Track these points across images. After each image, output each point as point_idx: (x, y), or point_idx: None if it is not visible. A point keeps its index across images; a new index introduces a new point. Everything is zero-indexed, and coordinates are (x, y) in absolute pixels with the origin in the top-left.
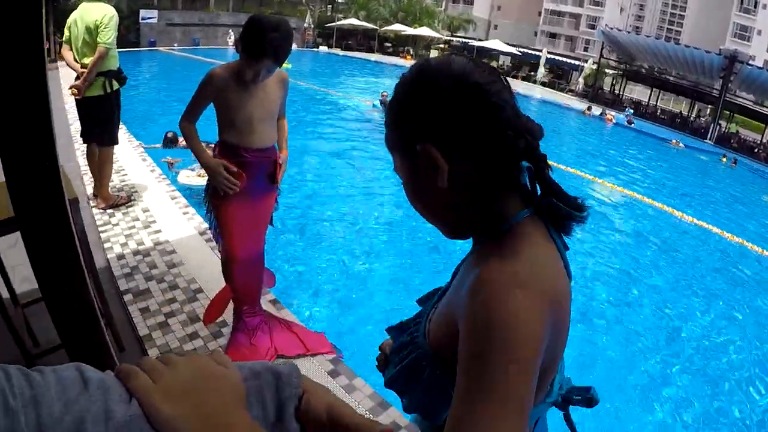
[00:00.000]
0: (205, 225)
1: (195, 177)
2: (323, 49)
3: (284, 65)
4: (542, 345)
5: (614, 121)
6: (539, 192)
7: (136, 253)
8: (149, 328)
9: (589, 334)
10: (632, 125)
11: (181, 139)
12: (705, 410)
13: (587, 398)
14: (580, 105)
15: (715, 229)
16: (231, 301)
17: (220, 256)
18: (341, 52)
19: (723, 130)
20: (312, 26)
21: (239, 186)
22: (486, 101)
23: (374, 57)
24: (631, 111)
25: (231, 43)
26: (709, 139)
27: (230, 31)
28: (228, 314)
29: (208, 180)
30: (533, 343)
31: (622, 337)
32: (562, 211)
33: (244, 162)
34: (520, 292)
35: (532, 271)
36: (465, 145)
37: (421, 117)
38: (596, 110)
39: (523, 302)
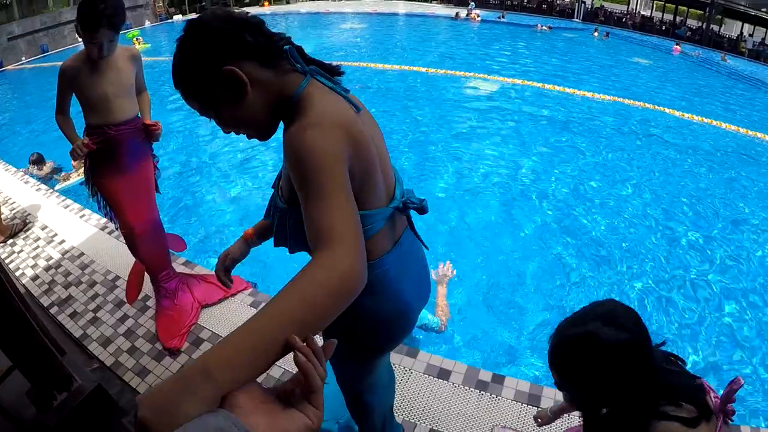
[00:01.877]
0: (104, 220)
1: (72, 178)
2: (178, 18)
3: (143, 45)
4: (341, 158)
5: (480, 18)
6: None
7: (48, 268)
8: (82, 327)
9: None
10: (503, 19)
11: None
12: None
13: (420, 207)
14: (448, 11)
15: (598, 96)
16: (146, 274)
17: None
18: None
19: (588, 7)
20: None
21: (86, 148)
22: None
23: None
24: (473, 4)
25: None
26: (577, 18)
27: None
28: (148, 287)
29: (84, 168)
30: (332, 157)
31: (538, 206)
32: (325, 68)
33: (110, 138)
34: (313, 128)
35: (319, 113)
36: (250, 57)
37: (216, 57)
38: (463, 13)
39: (317, 134)
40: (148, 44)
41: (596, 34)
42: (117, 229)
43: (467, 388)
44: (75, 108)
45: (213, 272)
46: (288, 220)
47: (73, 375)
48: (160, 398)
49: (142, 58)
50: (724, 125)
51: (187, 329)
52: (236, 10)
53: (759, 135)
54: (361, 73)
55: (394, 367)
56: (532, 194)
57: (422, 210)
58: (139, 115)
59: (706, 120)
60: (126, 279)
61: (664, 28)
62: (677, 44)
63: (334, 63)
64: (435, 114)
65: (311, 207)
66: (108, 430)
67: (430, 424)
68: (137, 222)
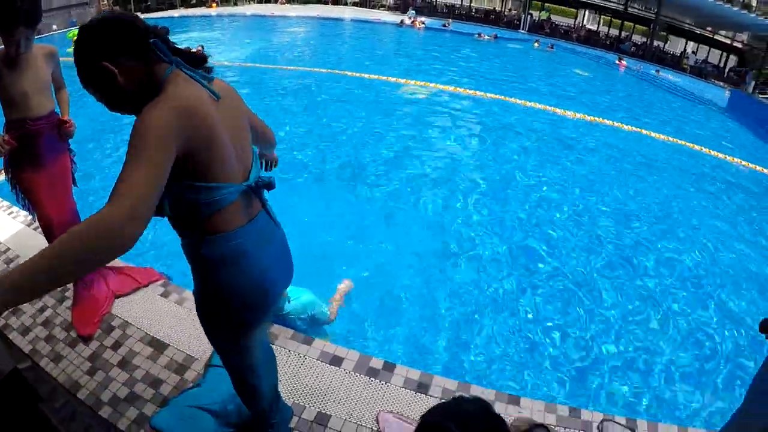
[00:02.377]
0: (30, 217)
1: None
2: None
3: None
4: (165, 135)
5: (425, 25)
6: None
7: None
8: (4, 318)
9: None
10: (448, 27)
11: None
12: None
13: (268, 183)
14: (395, 18)
15: (539, 106)
16: None
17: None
18: (142, 16)
19: (534, 19)
20: None
21: (8, 146)
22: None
23: (178, 12)
24: (414, 12)
25: None
26: (522, 29)
27: None
28: None
29: (3, 162)
30: (154, 131)
31: (489, 202)
32: (190, 59)
33: (29, 132)
34: (152, 109)
35: (167, 97)
36: (122, 53)
37: (95, 54)
38: (407, 20)
39: (152, 112)
40: None
41: (537, 44)
42: (35, 221)
43: (358, 374)
44: None
45: (127, 264)
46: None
47: None
48: None
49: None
50: (653, 134)
51: (100, 317)
52: (122, 11)
53: (689, 144)
54: (298, 76)
55: (288, 353)
56: (443, 196)
57: (269, 186)
58: (58, 111)
59: (635, 129)
60: None
61: (609, 42)
62: (621, 59)
63: (198, 54)
64: (368, 117)
65: (126, 169)
66: (24, 414)
67: (318, 407)
68: (55, 214)
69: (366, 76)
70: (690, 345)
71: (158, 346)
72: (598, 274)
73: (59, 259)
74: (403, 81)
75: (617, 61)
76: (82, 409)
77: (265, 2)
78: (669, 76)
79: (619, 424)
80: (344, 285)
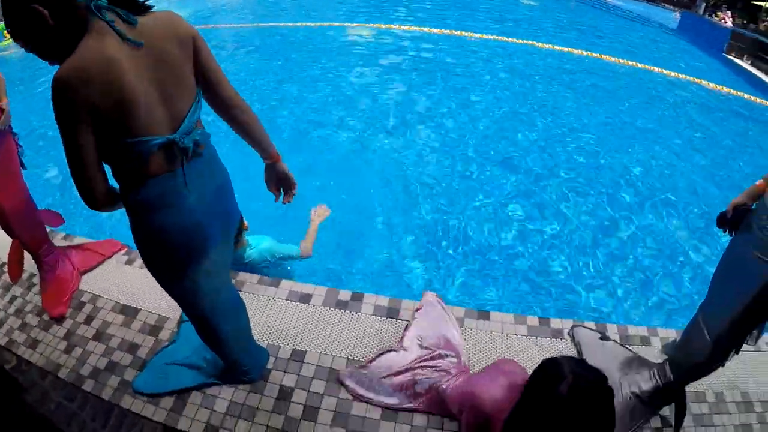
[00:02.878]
0: None
1: None
2: None
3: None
4: (74, 115)
5: None
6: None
7: None
8: None
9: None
10: None
11: None
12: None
13: (194, 140)
14: None
15: (488, 36)
16: (27, 253)
17: None
18: None
19: None
20: None
21: None
22: None
23: None
24: None
25: None
26: None
27: None
28: (33, 265)
29: None
30: (68, 123)
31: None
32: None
33: None
34: (57, 78)
35: (74, 60)
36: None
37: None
38: None
39: (58, 87)
40: (9, 40)
41: None
42: None
43: (328, 308)
44: None
45: (90, 240)
46: None
47: None
48: None
49: (11, 50)
50: (606, 57)
51: (70, 296)
52: None
53: (641, 65)
54: (238, 33)
55: (257, 297)
56: (400, 133)
57: (193, 144)
58: None
59: (589, 53)
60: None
61: None
62: None
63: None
64: (313, 64)
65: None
66: (7, 405)
67: (293, 345)
68: (5, 199)
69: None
70: (652, 251)
71: (130, 312)
72: (558, 191)
73: None
74: (347, 24)
75: None
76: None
77: None
78: (619, 2)
79: (590, 329)
80: (318, 211)
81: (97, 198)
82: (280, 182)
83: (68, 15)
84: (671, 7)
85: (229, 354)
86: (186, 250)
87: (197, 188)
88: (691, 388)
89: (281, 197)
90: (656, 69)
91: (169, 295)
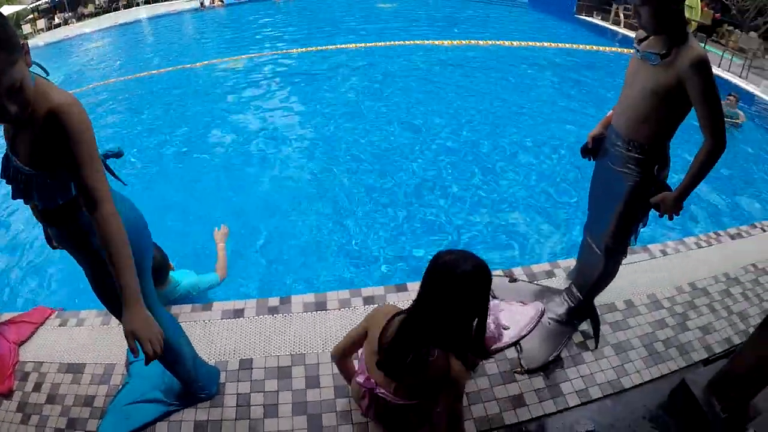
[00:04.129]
0: None
1: None
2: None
3: None
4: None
5: (224, 2)
6: None
7: None
8: None
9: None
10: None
11: None
12: None
13: (117, 153)
14: (193, 4)
15: (359, 45)
16: None
17: None
18: None
19: None
20: None
21: None
22: None
23: None
24: None
25: None
26: None
27: None
28: None
29: None
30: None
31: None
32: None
33: None
34: (79, 107)
35: (68, 95)
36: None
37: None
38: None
39: (83, 114)
40: None
41: None
42: None
43: (261, 316)
44: None
45: (17, 313)
46: (36, 181)
47: None
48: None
49: None
50: (471, 42)
51: (12, 369)
52: None
53: (504, 42)
54: (114, 87)
55: (195, 323)
56: (288, 143)
57: (119, 154)
58: None
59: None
60: None
61: None
62: None
63: None
64: (197, 104)
65: (85, 173)
66: None
67: (239, 356)
68: None
69: (185, 66)
70: (540, 191)
71: (77, 369)
72: (451, 164)
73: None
74: (218, 60)
75: None
76: None
77: (55, 28)
78: None
79: (498, 275)
80: (219, 232)
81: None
82: None
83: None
84: None
85: (187, 370)
86: (145, 242)
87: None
88: (601, 302)
89: None
90: (515, 43)
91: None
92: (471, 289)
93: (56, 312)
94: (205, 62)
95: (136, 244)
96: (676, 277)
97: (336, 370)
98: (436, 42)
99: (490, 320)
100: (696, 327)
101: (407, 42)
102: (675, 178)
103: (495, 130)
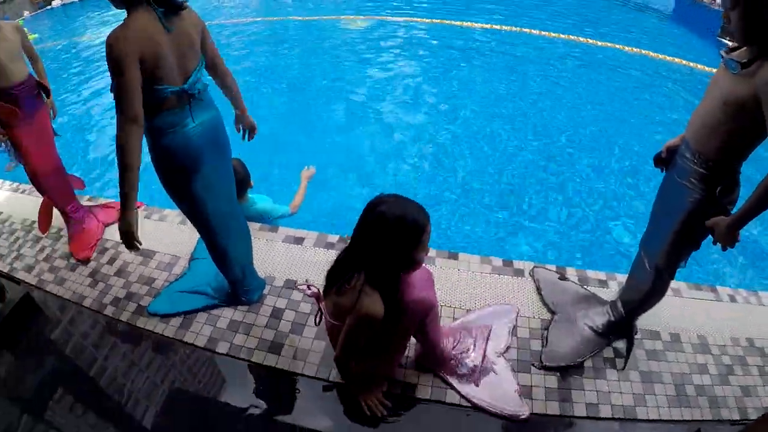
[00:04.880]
0: (15, 184)
1: None
2: (56, 3)
3: (30, 36)
4: (127, 65)
5: None
6: None
7: None
8: (9, 264)
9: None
10: None
11: None
12: None
13: (198, 89)
14: None
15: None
16: (56, 210)
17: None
18: None
19: None
20: None
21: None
22: None
23: None
24: None
25: None
26: None
27: None
28: (62, 222)
29: None
30: (120, 65)
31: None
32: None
33: (12, 97)
34: (113, 41)
35: (123, 32)
36: None
37: None
38: None
39: (115, 46)
40: (35, 34)
41: None
42: (25, 170)
43: (317, 248)
44: None
45: (112, 200)
46: None
47: (4, 287)
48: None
49: (34, 48)
50: (603, 43)
51: (95, 243)
52: None
53: (638, 50)
54: (248, 28)
55: (258, 240)
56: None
57: (197, 92)
58: (33, 74)
59: (586, 40)
60: None
61: None
62: None
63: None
64: (321, 54)
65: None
66: (35, 330)
67: (286, 276)
68: (38, 161)
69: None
70: (608, 198)
71: (148, 254)
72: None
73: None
74: (344, 17)
75: None
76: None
77: None
78: None
79: (549, 270)
80: (307, 171)
81: (135, 116)
82: (245, 127)
83: None
84: None
85: (232, 269)
86: (184, 163)
87: (198, 119)
88: (647, 327)
89: (247, 135)
90: (659, 55)
91: (180, 209)
92: (386, 232)
93: (144, 205)
94: (334, 17)
95: (167, 161)
96: (735, 327)
97: None
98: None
99: (468, 338)
100: (737, 384)
101: (546, 33)
102: None
103: (615, 140)
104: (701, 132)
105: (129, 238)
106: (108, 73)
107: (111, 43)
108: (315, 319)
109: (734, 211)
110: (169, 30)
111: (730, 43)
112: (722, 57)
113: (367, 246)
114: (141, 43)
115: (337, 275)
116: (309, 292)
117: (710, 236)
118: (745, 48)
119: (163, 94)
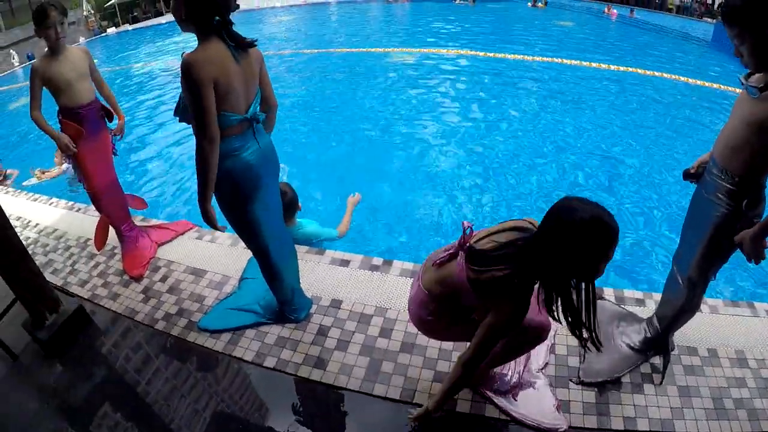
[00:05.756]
0: (71, 203)
1: (35, 180)
2: (111, 30)
3: None
4: (205, 87)
5: None
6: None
7: (27, 245)
8: (62, 278)
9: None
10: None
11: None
12: None
13: (256, 119)
14: None
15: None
16: (112, 228)
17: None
18: (131, 27)
19: None
20: (92, 12)
21: (76, 145)
22: None
23: (165, 19)
24: None
25: (17, 63)
26: None
27: (11, 51)
28: (116, 240)
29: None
30: (199, 87)
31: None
32: (233, 37)
33: (78, 117)
34: (192, 62)
35: (201, 55)
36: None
37: None
38: None
39: (194, 68)
40: (95, 60)
41: (531, 3)
42: (84, 188)
43: (363, 270)
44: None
45: (166, 222)
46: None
47: (59, 299)
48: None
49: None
50: (643, 71)
51: (148, 261)
52: None
53: (677, 77)
54: (298, 59)
55: (306, 262)
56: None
57: (257, 120)
58: (98, 97)
59: (622, 68)
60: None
61: None
62: (609, 7)
63: (248, 39)
64: (366, 85)
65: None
66: (86, 341)
67: (332, 296)
68: (98, 180)
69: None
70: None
71: (199, 273)
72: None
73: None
74: (395, 50)
75: (605, 11)
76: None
77: None
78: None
79: None
80: (353, 198)
81: (214, 136)
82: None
83: (205, 21)
84: (709, 20)
85: (283, 289)
86: (246, 184)
87: (259, 141)
88: (684, 343)
89: None
90: (690, 80)
91: (236, 231)
92: (577, 238)
93: (196, 227)
94: (380, 49)
95: (230, 184)
96: None
97: (406, 329)
98: (601, 65)
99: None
100: None
101: (581, 63)
102: None
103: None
104: (726, 150)
105: (212, 222)
106: (161, 97)
107: (190, 65)
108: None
109: None
110: (238, 61)
111: None
112: (742, 83)
113: (554, 248)
114: (216, 69)
115: (494, 259)
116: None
117: (740, 252)
118: (761, 73)
119: (229, 121)
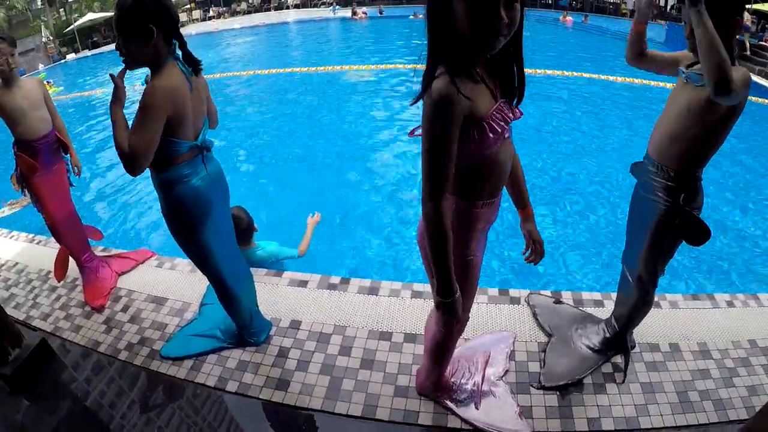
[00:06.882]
0: (31, 235)
1: (7, 210)
2: (71, 56)
3: (54, 89)
4: (160, 111)
5: (367, 15)
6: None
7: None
8: (24, 312)
9: None
10: (382, 15)
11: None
12: None
13: (207, 146)
14: (344, 13)
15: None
16: (72, 259)
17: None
18: (90, 53)
19: None
20: (51, 38)
21: (31, 179)
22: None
23: None
24: (335, 6)
25: None
26: None
27: None
28: (77, 272)
29: (17, 175)
30: (154, 110)
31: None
32: (188, 59)
33: (35, 149)
34: (154, 89)
35: (161, 82)
36: (162, 27)
37: (149, 15)
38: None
39: (154, 93)
40: (59, 87)
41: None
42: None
43: (321, 290)
44: None
45: (125, 251)
46: None
47: (22, 333)
48: None
49: (58, 99)
50: (597, 76)
51: (109, 291)
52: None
53: (630, 80)
54: (255, 80)
55: (264, 285)
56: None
57: (208, 148)
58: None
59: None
60: None
61: (550, 1)
62: (565, 15)
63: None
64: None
65: (133, 128)
66: (51, 375)
67: (291, 317)
68: (56, 211)
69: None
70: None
71: (159, 301)
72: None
73: None
74: (347, 67)
75: (561, 18)
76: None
77: (207, 20)
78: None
79: (545, 295)
80: (312, 218)
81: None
82: None
83: (160, 48)
84: (662, 22)
85: (241, 313)
86: (196, 211)
87: (208, 168)
88: (645, 339)
89: None
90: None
91: (189, 257)
92: None
93: (155, 255)
94: (338, 67)
95: (179, 211)
96: (736, 330)
97: (365, 346)
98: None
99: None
100: (743, 385)
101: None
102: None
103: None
104: (664, 141)
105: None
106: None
107: (153, 93)
108: None
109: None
110: (191, 87)
111: None
112: (683, 72)
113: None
114: (175, 98)
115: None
116: None
117: (685, 243)
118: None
119: (181, 148)
